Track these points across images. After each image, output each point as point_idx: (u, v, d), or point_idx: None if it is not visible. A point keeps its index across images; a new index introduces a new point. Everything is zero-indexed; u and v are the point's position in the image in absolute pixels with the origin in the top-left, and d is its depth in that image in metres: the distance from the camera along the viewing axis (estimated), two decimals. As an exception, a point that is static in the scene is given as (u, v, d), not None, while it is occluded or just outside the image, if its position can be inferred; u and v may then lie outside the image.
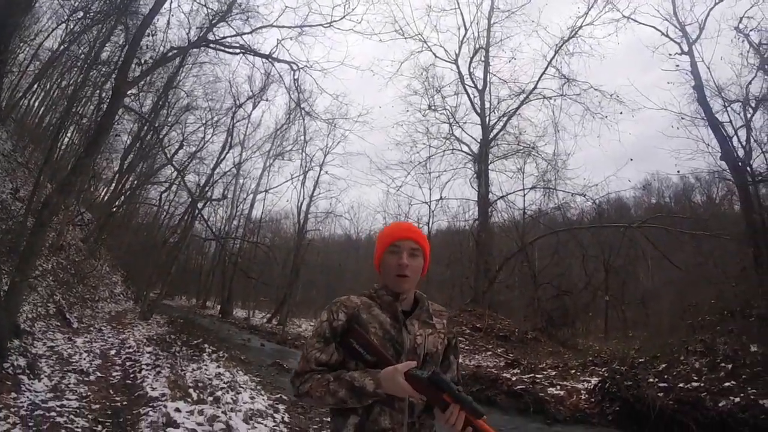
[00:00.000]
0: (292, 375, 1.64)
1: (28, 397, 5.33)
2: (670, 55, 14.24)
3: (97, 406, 5.78)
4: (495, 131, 22.48)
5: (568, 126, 41.81)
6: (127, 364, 8.67)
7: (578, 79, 20.84)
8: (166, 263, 21.73)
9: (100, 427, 5.02)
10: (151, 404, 5.89)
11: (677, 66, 14.02)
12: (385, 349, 1.58)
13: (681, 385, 8.00)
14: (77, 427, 4.81)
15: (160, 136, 19.07)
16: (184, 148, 23.88)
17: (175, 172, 20.40)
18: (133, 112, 16.81)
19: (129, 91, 11.98)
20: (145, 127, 18.64)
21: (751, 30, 13.03)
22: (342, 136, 28.70)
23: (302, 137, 28.31)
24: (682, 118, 14.49)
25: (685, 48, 13.78)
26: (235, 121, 26.14)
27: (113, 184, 23.45)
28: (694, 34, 13.87)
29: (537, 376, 11.47)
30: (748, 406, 7.09)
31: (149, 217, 31.76)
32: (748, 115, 12.88)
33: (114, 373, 7.78)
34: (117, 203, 23.19)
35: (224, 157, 25.75)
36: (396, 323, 1.64)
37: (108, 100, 10.10)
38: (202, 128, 24.29)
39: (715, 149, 13.49)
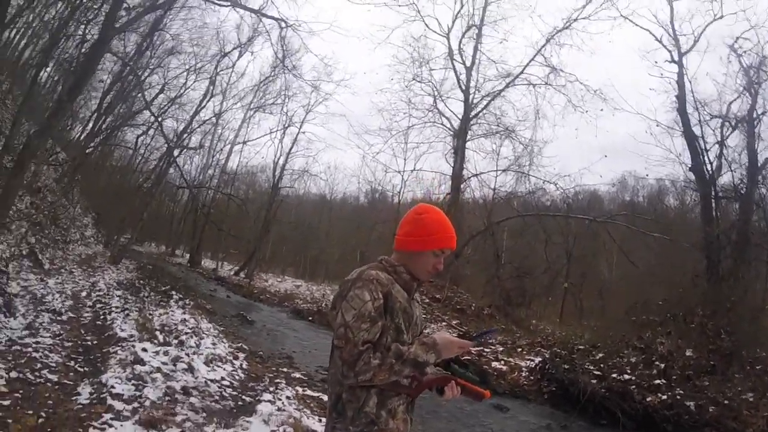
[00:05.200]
0: (344, 367, 1.63)
1: (5, 333, 5.60)
2: (656, 63, 14.49)
3: (70, 343, 6.13)
4: (477, 109, 22.68)
5: (549, 114, 41.93)
6: (98, 306, 8.99)
7: (565, 70, 20.89)
8: (138, 208, 21.67)
9: (72, 363, 5.37)
10: (120, 344, 6.22)
11: (661, 75, 14.32)
12: (405, 322, 1.76)
13: (614, 375, 8.37)
14: (52, 362, 5.15)
15: (141, 79, 18.74)
16: (165, 92, 23.47)
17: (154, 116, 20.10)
18: (115, 56, 16.44)
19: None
20: (127, 69, 18.26)
21: (744, 51, 13.23)
22: (323, 98, 27.98)
23: (285, 92, 27.84)
24: (658, 125, 14.82)
25: (676, 57, 13.98)
26: (218, 70, 25.73)
27: (90, 124, 22.86)
28: (686, 46, 14.12)
29: (485, 350, 11.90)
30: (673, 404, 7.56)
31: (124, 160, 30.99)
32: (725, 133, 13.16)
33: (85, 314, 8.10)
34: (92, 144, 22.75)
35: (205, 105, 25.44)
36: (409, 298, 1.82)
37: (92, 42, 10.00)
38: (185, 74, 23.71)
39: (684, 160, 13.87)
